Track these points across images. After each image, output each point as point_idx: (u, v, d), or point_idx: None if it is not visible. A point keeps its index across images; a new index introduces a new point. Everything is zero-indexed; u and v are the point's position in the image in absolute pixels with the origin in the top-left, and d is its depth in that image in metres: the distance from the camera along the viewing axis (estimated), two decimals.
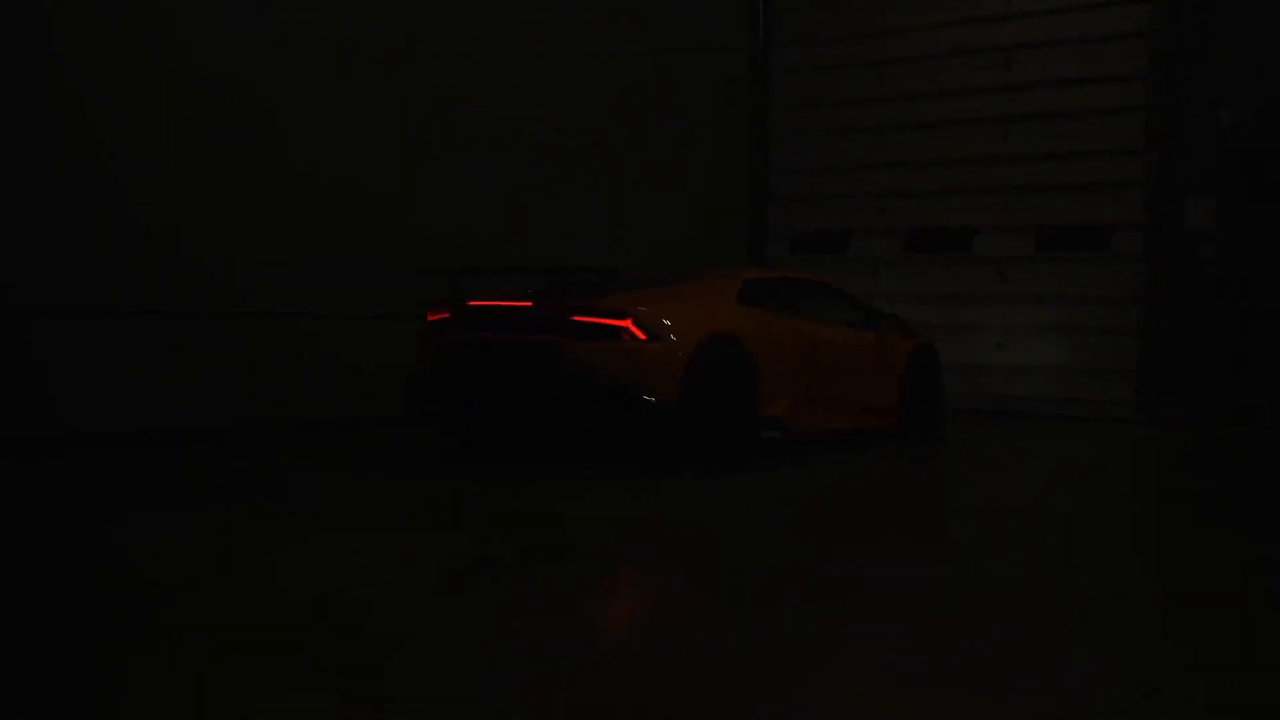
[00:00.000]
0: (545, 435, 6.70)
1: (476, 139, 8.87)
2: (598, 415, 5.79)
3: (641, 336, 5.75)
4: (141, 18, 6.84)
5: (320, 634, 2.93)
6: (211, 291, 7.25)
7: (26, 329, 6.33)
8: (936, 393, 8.48)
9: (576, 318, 5.87)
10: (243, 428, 7.17)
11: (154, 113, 6.89)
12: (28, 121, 6.32)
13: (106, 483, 5.47)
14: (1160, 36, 10.21)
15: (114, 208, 6.72)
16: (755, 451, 6.37)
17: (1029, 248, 10.94)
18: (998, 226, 11.09)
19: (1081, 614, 3.31)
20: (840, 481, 6.24)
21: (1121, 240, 10.45)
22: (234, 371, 7.26)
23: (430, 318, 6.54)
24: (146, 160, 6.87)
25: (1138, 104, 10.33)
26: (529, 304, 6.18)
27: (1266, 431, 9.25)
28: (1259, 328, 9.70)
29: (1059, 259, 10.77)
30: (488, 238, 8.73)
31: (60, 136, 6.46)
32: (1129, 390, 10.32)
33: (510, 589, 3.46)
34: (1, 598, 3.34)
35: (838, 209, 12.14)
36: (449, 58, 8.70)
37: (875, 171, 11.90)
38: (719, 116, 11.97)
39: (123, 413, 6.70)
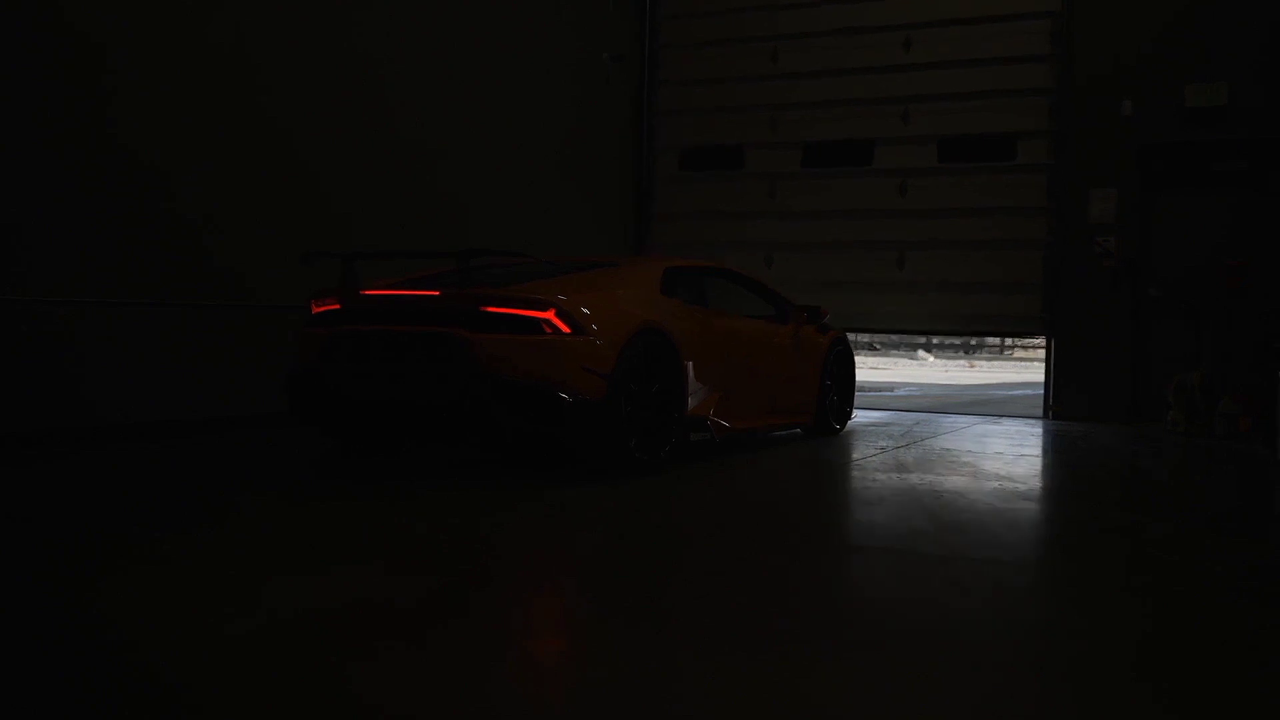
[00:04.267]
0: (450, 440, 6.25)
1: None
2: (514, 417, 5.35)
3: (565, 330, 5.38)
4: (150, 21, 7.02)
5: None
6: (208, 286, 7.40)
7: (22, 322, 6.31)
8: (850, 388, 8.67)
9: (489, 308, 5.41)
10: (238, 420, 7.24)
11: (154, 108, 7.05)
12: (33, 115, 6.40)
13: (90, 489, 5.29)
14: None
15: (114, 205, 6.82)
16: (682, 455, 6.20)
17: (931, 159, 11.03)
18: (898, 138, 11.13)
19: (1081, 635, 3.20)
20: (795, 488, 6.08)
21: (1027, 148, 10.64)
22: (231, 365, 7.36)
23: (315, 309, 5.98)
24: (152, 157, 7.03)
25: (1044, 9, 10.48)
26: (434, 292, 5.65)
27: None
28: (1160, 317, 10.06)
29: (962, 170, 10.91)
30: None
31: (61, 131, 6.52)
32: (1035, 304, 10.67)
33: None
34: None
35: (730, 123, 11.91)
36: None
37: (770, 83, 11.68)
38: (602, 24, 11.53)
39: (121, 408, 6.82)
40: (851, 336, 8.98)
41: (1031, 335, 10.97)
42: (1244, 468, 7.33)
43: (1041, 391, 11.08)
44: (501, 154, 9.97)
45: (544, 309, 5.38)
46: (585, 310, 5.48)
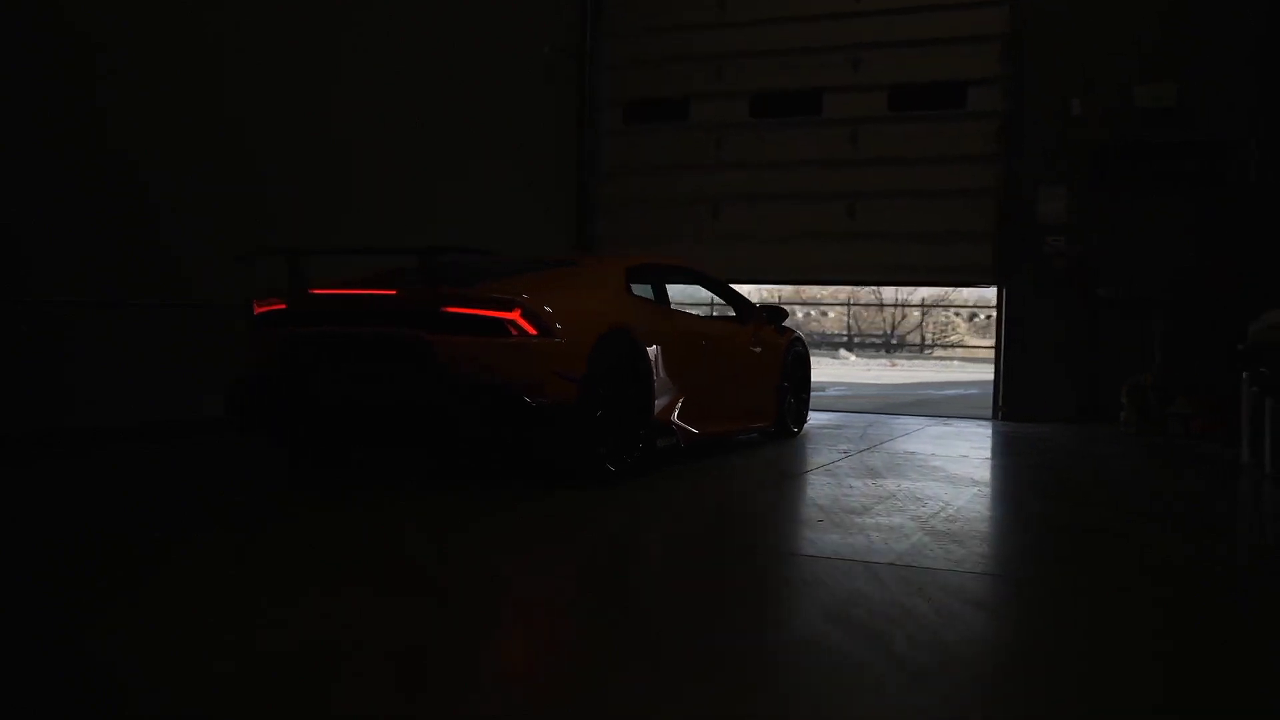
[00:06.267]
0: (411, 446, 6.13)
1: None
2: (479, 423, 5.16)
3: (531, 331, 5.18)
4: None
5: None
6: (210, 286, 7.36)
7: (23, 322, 6.34)
8: (807, 390, 8.74)
9: (451, 309, 5.19)
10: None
11: (155, 109, 7.12)
12: (33, 115, 6.48)
13: (90, 489, 5.39)
14: None
15: (114, 205, 6.86)
16: (649, 461, 6.06)
17: (881, 108, 10.99)
18: (848, 86, 11.06)
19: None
20: (777, 497, 5.85)
21: (977, 95, 10.63)
22: (234, 365, 7.01)
23: (258, 309, 5.68)
24: (152, 157, 7.09)
25: None
26: (391, 292, 5.42)
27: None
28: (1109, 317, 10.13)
29: (913, 118, 10.88)
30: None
31: (61, 131, 6.58)
32: (986, 253, 10.67)
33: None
34: None
35: (676, 74, 11.79)
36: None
37: (716, 32, 11.55)
38: None
39: (122, 408, 6.88)
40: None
41: (983, 284, 11.05)
42: (1212, 468, 7.41)
43: (976, 391, 11.09)
44: (443, 125, 9.84)
45: (508, 309, 5.18)
46: (551, 310, 5.29)
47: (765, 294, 23.47)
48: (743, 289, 8.87)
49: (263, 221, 7.79)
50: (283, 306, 5.59)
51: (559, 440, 5.32)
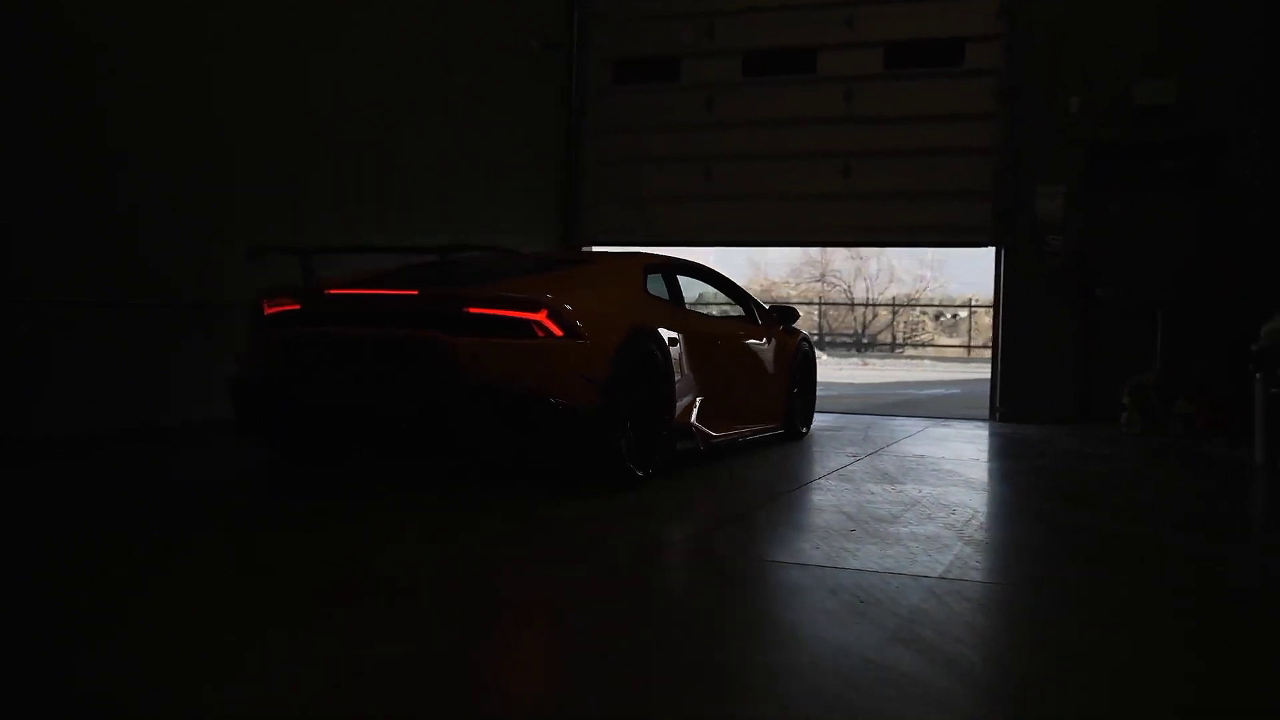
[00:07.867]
0: (431, 453, 5.91)
1: None
2: (501, 428, 4.95)
3: (558, 333, 5.00)
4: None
5: None
6: (213, 286, 7.27)
7: (23, 322, 6.21)
8: (813, 390, 8.72)
9: (473, 309, 5.00)
10: (209, 424, 7.06)
11: (154, 108, 6.98)
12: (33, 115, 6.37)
13: (90, 489, 5.29)
14: None
15: (115, 205, 6.73)
16: (668, 464, 5.90)
17: (877, 65, 10.79)
18: (843, 44, 10.83)
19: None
20: (806, 504, 5.51)
21: (975, 52, 10.42)
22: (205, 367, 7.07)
23: (268, 309, 5.43)
24: (152, 157, 6.95)
25: None
26: (413, 291, 5.22)
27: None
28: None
29: (909, 76, 10.67)
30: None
31: (61, 131, 6.44)
32: (984, 213, 10.46)
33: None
34: None
35: (665, 31, 11.47)
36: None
37: None
38: None
39: (122, 409, 6.77)
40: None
41: (981, 244, 10.80)
42: (1226, 470, 7.29)
43: (959, 392, 10.97)
44: (438, 114, 9.55)
45: (535, 310, 5.01)
46: (575, 311, 5.11)
47: None
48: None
49: (261, 220, 7.55)
50: (296, 306, 5.35)
51: (583, 444, 5.13)
